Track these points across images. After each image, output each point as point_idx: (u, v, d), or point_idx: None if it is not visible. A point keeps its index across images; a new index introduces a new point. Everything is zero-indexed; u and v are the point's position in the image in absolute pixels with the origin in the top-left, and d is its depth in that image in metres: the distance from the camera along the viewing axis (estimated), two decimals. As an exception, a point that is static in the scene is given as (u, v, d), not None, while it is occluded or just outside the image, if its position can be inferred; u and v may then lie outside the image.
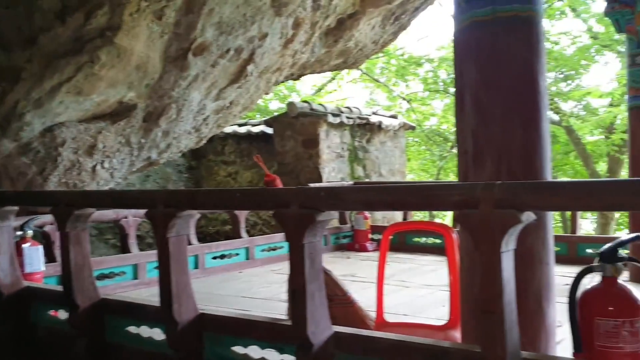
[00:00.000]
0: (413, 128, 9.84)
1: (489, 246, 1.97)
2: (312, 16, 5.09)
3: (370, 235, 6.76)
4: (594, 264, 2.29)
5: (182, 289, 2.67)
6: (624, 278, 5.21)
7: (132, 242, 4.98)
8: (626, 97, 5.40)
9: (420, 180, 14.03)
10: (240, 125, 8.49)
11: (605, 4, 5.33)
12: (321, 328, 2.30)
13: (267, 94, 6.91)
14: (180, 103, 4.59)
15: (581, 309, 2.28)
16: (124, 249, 5.00)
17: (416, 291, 4.77)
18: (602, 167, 14.33)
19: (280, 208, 2.31)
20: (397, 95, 14.31)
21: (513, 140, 2.36)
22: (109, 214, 4.88)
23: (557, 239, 6.50)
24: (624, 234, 2.57)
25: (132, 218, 4.95)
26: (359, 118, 8.03)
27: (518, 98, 2.38)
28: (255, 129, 8.40)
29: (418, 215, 12.82)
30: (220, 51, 4.43)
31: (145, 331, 2.88)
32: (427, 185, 2.24)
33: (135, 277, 4.85)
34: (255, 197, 2.57)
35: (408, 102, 13.66)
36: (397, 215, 7.61)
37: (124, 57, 3.72)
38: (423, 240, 6.56)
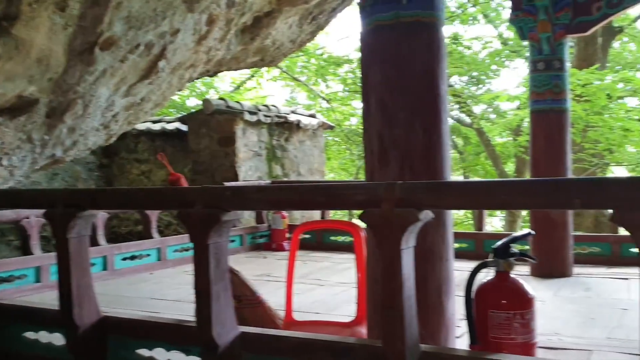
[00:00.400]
0: (332, 128, 9.96)
1: (390, 243, 2.03)
2: (226, 13, 5.03)
3: (287, 235, 6.77)
4: (488, 260, 2.41)
5: (83, 292, 2.58)
6: (525, 272, 5.51)
7: (35, 244, 4.75)
8: (529, 101, 5.73)
9: (339, 180, 14.22)
10: (154, 122, 8.26)
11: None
12: (227, 329, 2.29)
13: (180, 90, 6.76)
14: (87, 99, 4.39)
15: (476, 303, 2.40)
16: (25, 251, 4.75)
17: (331, 289, 4.83)
18: (510, 167, 15.07)
19: (185, 208, 2.28)
20: (317, 95, 14.44)
21: (415, 142, 2.44)
22: (8, 214, 4.62)
23: (465, 235, 6.86)
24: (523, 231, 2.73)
25: (35, 218, 4.71)
26: (277, 116, 8.03)
27: (420, 101, 2.46)
28: (170, 126, 8.19)
29: (339, 214, 13.00)
30: (130, 46, 4.28)
31: (44, 337, 2.75)
32: (332, 185, 2.27)
33: (38, 280, 4.63)
34: (159, 196, 2.52)
35: (328, 101, 13.82)
36: (317, 214, 7.67)
37: (23, 49, 3.51)
38: (341, 239, 6.65)
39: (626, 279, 5.19)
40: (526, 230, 2.57)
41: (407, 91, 2.44)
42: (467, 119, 14.25)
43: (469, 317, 2.39)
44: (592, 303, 4.30)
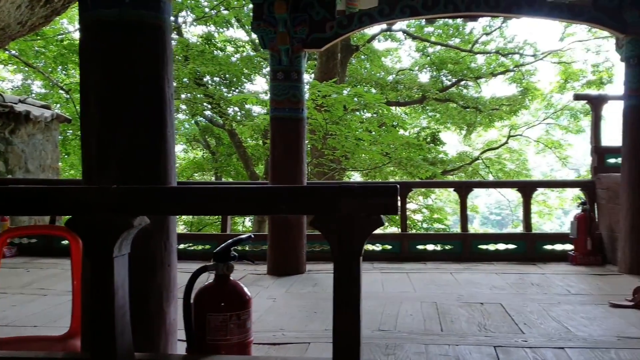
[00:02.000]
0: (69, 121, 9.17)
1: (100, 251, 1.93)
2: None
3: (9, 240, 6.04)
4: (208, 264, 2.46)
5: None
6: (262, 272, 5.72)
7: None
8: (270, 108, 6.02)
9: (70, 178, 13.16)
10: None
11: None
12: None
13: None
14: None
15: (196, 307, 2.43)
16: None
17: (56, 299, 4.44)
18: (261, 169, 15.68)
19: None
20: (55, 84, 13.16)
21: (138, 144, 2.36)
22: None
23: (211, 237, 6.96)
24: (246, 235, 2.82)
25: None
26: (1, 106, 7.12)
27: (144, 103, 2.39)
28: None
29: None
30: None
31: None
32: (39, 189, 2.08)
33: None
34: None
35: (67, 92, 12.67)
36: (46, 218, 6.98)
37: None
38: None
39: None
40: (247, 234, 2.67)
41: (129, 92, 2.36)
42: (220, 121, 14.44)
43: (187, 321, 2.40)
44: (318, 297, 4.69)
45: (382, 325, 3.82)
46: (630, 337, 3.48)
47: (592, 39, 17.75)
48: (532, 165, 23.15)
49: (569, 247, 6.46)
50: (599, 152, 6.63)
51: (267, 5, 5.67)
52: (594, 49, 17.83)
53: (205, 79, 14.02)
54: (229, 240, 2.51)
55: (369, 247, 6.79)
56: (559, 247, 6.58)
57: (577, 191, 6.86)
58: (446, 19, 14.59)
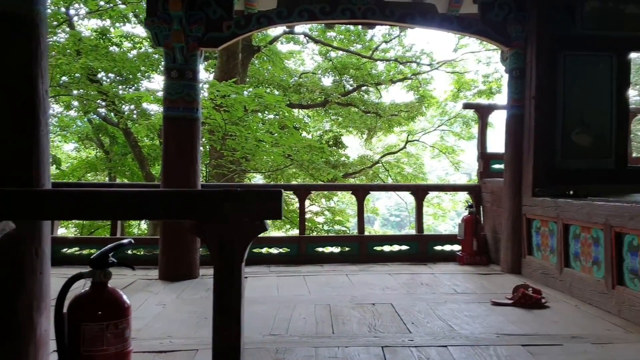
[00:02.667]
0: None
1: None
2: None
3: None
4: (82, 272, 2.31)
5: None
6: (154, 276, 5.52)
7: None
8: (163, 107, 5.82)
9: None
10: None
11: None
12: None
13: None
14: None
15: (70, 316, 2.28)
16: None
17: None
18: (157, 169, 15.16)
19: None
20: None
21: (7, 144, 2.19)
22: None
23: (98, 241, 6.63)
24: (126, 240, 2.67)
25: None
26: None
27: (13, 99, 2.21)
28: None
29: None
30: None
31: None
32: None
33: None
34: None
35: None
36: None
37: None
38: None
39: (245, 277, 5.72)
40: (127, 239, 2.55)
41: (-3, 87, 2.17)
42: (114, 119, 13.81)
43: (58, 332, 2.25)
44: (210, 303, 4.55)
45: (274, 330, 3.79)
46: (508, 334, 3.68)
47: (483, 51, 18.85)
48: (429, 169, 24.19)
49: (457, 247, 6.77)
50: (485, 158, 7.01)
51: (161, 1, 5.48)
52: (485, 61, 18.94)
53: (99, 75, 13.37)
54: (108, 246, 2.38)
55: (267, 250, 6.75)
56: (448, 247, 6.89)
57: (467, 195, 7.20)
58: (346, 25, 14.94)
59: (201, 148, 12.88)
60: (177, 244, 5.65)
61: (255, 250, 6.61)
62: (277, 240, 7.07)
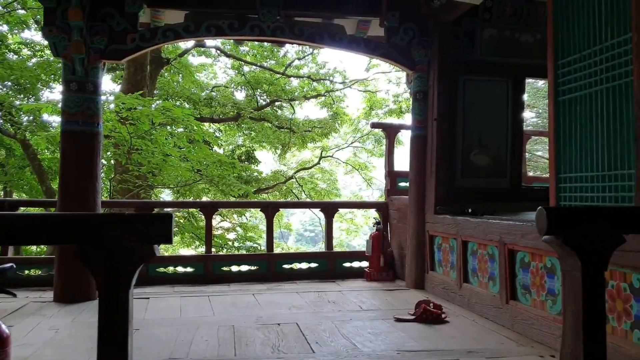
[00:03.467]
0: None
1: None
2: None
3: None
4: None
5: None
6: (48, 299, 5.24)
7: None
8: (61, 120, 5.52)
9: None
10: None
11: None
12: None
13: None
14: None
15: None
16: None
17: None
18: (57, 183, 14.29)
19: None
20: None
21: None
22: None
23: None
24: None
25: None
26: None
27: None
28: None
29: None
30: None
31: None
32: None
33: None
34: None
35: None
36: None
37: None
38: None
39: (147, 298, 5.51)
40: (9, 264, 2.37)
41: None
42: (11, 129, 12.98)
43: None
44: (108, 326, 4.36)
45: (174, 353, 3.66)
46: (409, 350, 3.75)
47: (393, 72, 19.47)
48: (342, 184, 24.56)
49: (365, 264, 6.88)
50: (392, 176, 7.20)
51: (60, 10, 5.23)
52: (395, 81, 19.57)
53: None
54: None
55: (172, 269, 6.54)
56: (356, 264, 6.98)
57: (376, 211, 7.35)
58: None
59: (104, 162, 12.42)
60: (74, 263, 5.34)
61: (159, 270, 6.39)
62: (182, 259, 6.87)
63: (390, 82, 19.73)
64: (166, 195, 15.64)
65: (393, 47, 6.07)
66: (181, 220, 14.18)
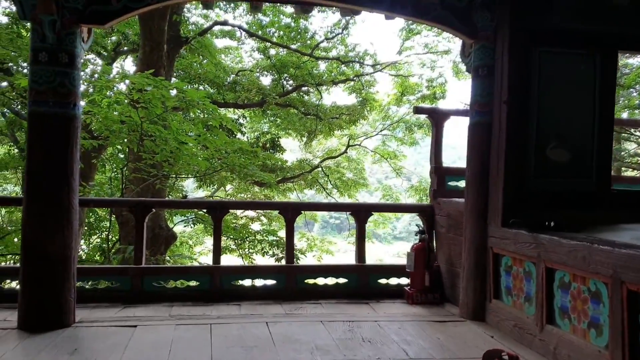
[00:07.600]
0: None
1: None
2: None
3: None
4: None
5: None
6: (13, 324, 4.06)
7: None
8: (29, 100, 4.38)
9: None
10: None
11: None
12: None
13: None
14: None
15: None
16: None
17: None
18: (13, 178, 13.22)
19: None
20: None
21: None
22: None
23: None
24: None
25: None
26: None
27: None
28: None
29: None
30: None
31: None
32: None
33: None
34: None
35: None
36: None
37: None
38: None
39: (134, 326, 4.37)
40: None
41: None
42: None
43: None
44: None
45: None
46: None
47: (427, 53, 18.05)
48: (369, 172, 23.33)
49: (405, 281, 5.63)
50: (439, 173, 5.89)
51: (22, -43, 4.06)
52: (429, 64, 18.12)
53: (9, 65, 11.57)
54: None
55: (172, 283, 5.39)
56: (394, 280, 5.73)
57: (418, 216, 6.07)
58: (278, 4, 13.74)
59: (118, 147, 11.34)
60: (43, 279, 4.22)
61: (155, 284, 5.24)
62: (185, 271, 5.70)
63: (424, 65, 18.31)
64: (190, 182, 14.65)
65: (448, 9, 4.75)
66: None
